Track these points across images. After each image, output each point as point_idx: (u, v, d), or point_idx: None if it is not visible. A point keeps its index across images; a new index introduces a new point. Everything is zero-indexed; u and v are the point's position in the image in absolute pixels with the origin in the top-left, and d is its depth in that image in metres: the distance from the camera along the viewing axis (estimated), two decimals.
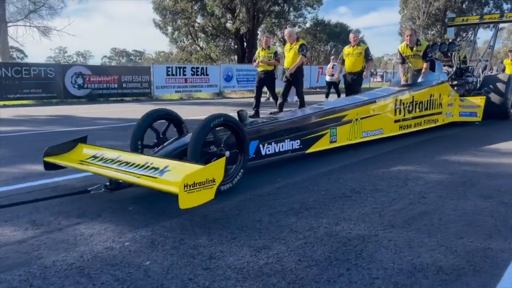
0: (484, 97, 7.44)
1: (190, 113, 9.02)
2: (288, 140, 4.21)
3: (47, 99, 14.38)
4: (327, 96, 14.82)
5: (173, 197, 2.48)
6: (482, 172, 4.03)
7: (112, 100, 15.50)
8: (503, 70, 14.15)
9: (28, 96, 13.96)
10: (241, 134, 3.45)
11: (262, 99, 10.14)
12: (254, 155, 3.84)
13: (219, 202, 3.06)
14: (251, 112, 8.93)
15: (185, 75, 18.18)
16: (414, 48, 7.09)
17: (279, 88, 9.03)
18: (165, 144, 3.61)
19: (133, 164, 2.96)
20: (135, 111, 11.39)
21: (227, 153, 3.22)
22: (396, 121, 5.85)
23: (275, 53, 8.89)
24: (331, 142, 4.76)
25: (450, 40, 9.71)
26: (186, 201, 2.43)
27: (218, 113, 3.34)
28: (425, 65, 7.00)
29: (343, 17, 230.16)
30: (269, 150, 4.02)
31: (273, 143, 4.05)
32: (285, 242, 2.37)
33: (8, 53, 23.35)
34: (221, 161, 2.70)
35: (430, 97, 6.60)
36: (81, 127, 7.67)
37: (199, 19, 25.06)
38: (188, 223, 2.67)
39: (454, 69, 8.35)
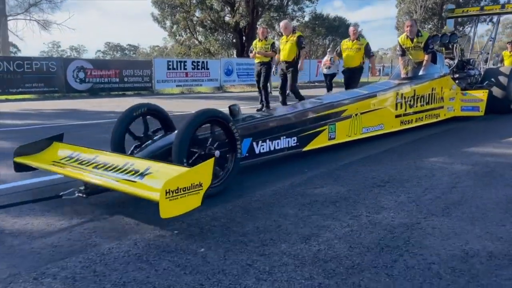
0: (487, 90, 7.16)
1: (192, 107, 9.00)
2: (284, 137, 3.95)
3: (49, 93, 14.30)
4: (328, 90, 14.80)
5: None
6: (505, 163, 4.09)
7: (113, 95, 15.44)
8: (501, 62, 14.03)
9: (30, 91, 13.87)
10: (232, 131, 3.16)
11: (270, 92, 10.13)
12: (247, 154, 3.57)
13: (255, 192, 3.11)
14: (258, 106, 9.05)
15: (185, 69, 18.13)
16: (415, 40, 6.79)
17: (276, 82, 9.01)
18: (148, 142, 3.28)
19: (111, 166, 2.69)
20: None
21: (217, 152, 2.97)
22: (397, 116, 5.63)
23: (272, 45, 8.75)
24: (330, 139, 4.49)
25: (451, 32, 9.29)
26: (168, 210, 2.17)
27: (206, 108, 3.10)
28: (426, 57, 6.74)
29: (337, 10, 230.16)
30: (263, 148, 3.76)
31: (267, 140, 3.79)
32: (331, 230, 2.41)
33: (8, 47, 23.15)
34: (209, 163, 2.38)
35: (432, 90, 6.37)
36: (90, 120, 7.66)
37: (198, 13, 24.97)
38: (230, 212, 2.70)
39: (455, 61, 8.12)
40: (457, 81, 7.39)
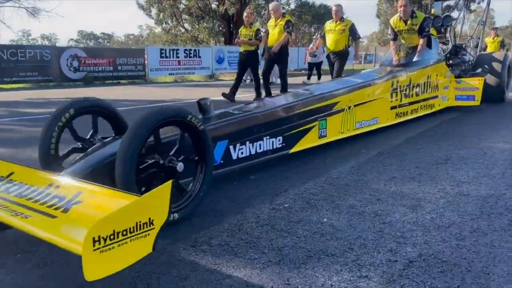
0: (483, 78, 6.65)
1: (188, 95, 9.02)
2: (268, 137, 3.31)
3: (44, 83, 14.00)
4: (308, 78, 14.84)
5: (298, 166, 2.64)
6: None
7: (108, 83, 15.26)
8: (484, 49, 13.36)
9: (25, 80, 13.55)
10: (200, 134, 2.38)
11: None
12: (221, 161, 2.91)
13: (336, 168, 3.27)
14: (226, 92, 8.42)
15: (178, 57, 18.00)
16: (409, 22, 6.08)
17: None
18: (88, 151, 2.44)
19: (27, 190, 1.92)
20: (146, 92, 11.36)
21: (180, 165, 2.21)
22: (392, 108, 5.10)
23: (257, 32, 8.17)
24: (320, 137, 3.89)
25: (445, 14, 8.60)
26: (97, 267, 1.37)
27: (165, 105, 2.38)
28: (421, 41, 6.07)
29: None
30: (242, 153, 3.10)
31: (247, 142, 3.14)
32: (430, 201, 2.59)
33: None
34: (165, 190, 1.58)
35: (427, 78, 5.86)
36: (128, 107, 7.60)
37: (185, 0, 24.71)
38: (323, 187, 2.86)
39: (449, 46, 7.58)
40: (450, 68, 6.88)
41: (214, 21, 25.42)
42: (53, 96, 10.18)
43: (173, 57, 17.77)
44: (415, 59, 6.07)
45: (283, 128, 3.47)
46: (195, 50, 19.12)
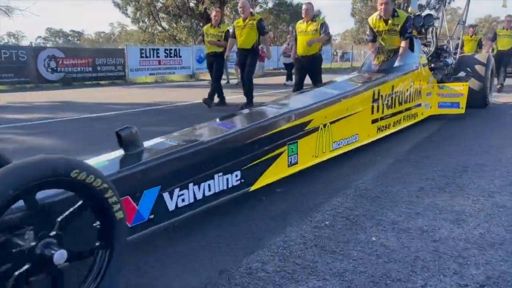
0: (467, 83, 6.12)
1: (173, 97, 8.86)
2: (220, 174, 2.53)
3: (20, 84, 13.47)
4: (288, 79, 14.53)
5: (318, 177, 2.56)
6: None
7: (88, 84, 14.83)
8: (461, 48, 13.25)
9: (0, 82, 13.02)
10: (98, 198, 1.51)
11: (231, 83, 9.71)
12: (151, 216, 2.11)
13: (355, 180, 3.21)
14: (216, 100, 7.90)
15: (158, 57, 17.70)
16: (390, 21, 5.43)
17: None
18: None
19: None
20: (129, 94, 11.08)
21: (58, 255, 1.37)
22: (373, 121, 4.42)
23: (227, 33, 7.59)
24: (290, 164, 3.14)
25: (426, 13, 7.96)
26: None
27: (33, 159, 1.35)
28: (403, 43, 5.45)
29: None
30: (183, 200, 2.29)
31: (190, 185, 2.33)
32: (470, 214, 2.55)
33: None
34: None
35: (411, 85, 5.23)
36: (100, 113, 7.36)
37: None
38: (356, 200, 2.80)
39: (432, 48, 7.10)
40: (433, 72, 6.25)
41: (193, 20, 25.11)
42: (34, 99, 9.80)
43: (153, 56, 17.48)
44: (396, 63, 5.41)
45: (241, 159, 2.68)
46: (175, 49, 18.85)
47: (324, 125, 3.52)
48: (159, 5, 24.63)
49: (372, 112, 4.36)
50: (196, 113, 7.24)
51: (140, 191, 2.04)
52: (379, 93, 4.45)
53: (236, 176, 2.65)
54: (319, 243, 2.18)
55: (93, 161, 2.07)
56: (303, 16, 6.49)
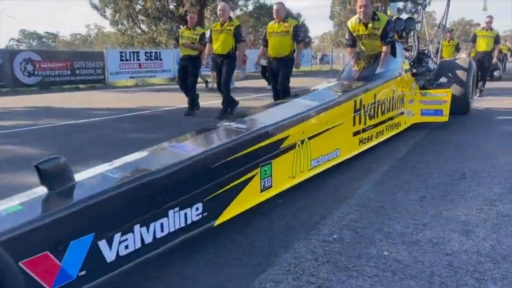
0: (450, 90, 5.87)
1: (155, 101, 8.71)
2: (176, 209, 2.07)
3: None
4: (269, 82, 14.31)
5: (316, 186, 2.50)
6: None
7: (67, 88, 14.48)
8: (440, 52, 12.73)
9: None
10: None
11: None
12: (81, 273, 1.66)
13: (355, 190, 3.16)
14: (193, 113, 7.47)
15: (139, 60, 17.46)
16: (370, 25, 5.09)
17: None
18: None
19: None
20: (110, 98, 10.81)
21: None
22: (355, 134, 4.07)
23: (202, 36, 7.29)
24: (264, 189, 2.73)
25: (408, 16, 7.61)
26: None
27: None
28: (384, 48, 5.13)
29: None
30: (127, 247, 1.84)
31: (136, 227, 1.88)
32: (476, 225, 2.53)
33: None
34: None
35: (393, 93, 4.91)
36: (81, 119, 7.15)
37: (141, 1, 23.92)
38: (360, 211, 2.74)
39: (414, 53, 6.75)
40: (415, 78, 5.95)
41: (173, 23, 24.82)
42: (12, 105, 9.47)
43: (133, 60, 17.24)
44: (378, 70, 5.03)
45: (203, 189, 2.22)
46: (156, 52, 18.62)
47: (302, 141, 3.15)
48: (138, 7, 24.25)
49: (354, 124, 4.03)
50: (180, 118, 7.12)
51: (65, 242, 1.60)
52: (361, 102, 4.12)
53: (197, 209, 2.19)
54: (331, 259, 2.11)
55: (3, 206, 1.66)
56: (274, 16, 6.25)
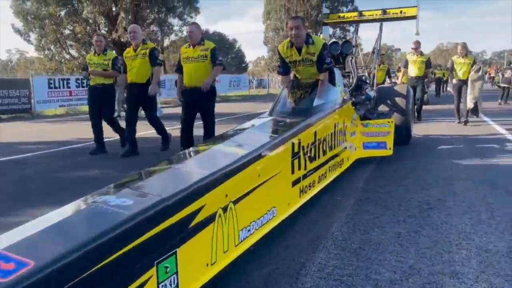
0: (393, 120, 5.40)
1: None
2: None
3: None
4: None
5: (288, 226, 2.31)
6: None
7: None
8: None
9: None
10: None
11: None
12: None
13: (328, 229, 2.98)
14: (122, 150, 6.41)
15: (69, 87, 16.51)
16: (304, 49, 4.47)
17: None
18: None
19: None
20: (39, 130, 9.94)
21: None
22: (294, 183, 3.23)
23: (115, 60, 6.34)
24: None
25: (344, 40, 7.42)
26: None
27: None
28: (322, 76, 4.54)
29: (217, 25, 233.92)
30: None
31: None
32: (462, 264, 2.43)
33: None
34: None
35: (334, 127, 4.25)
36: (8, 156, 6.40)
37: (70, 26, 22.86)
38: (340, 255, 2.54)
39: (354, 80, 6.37)
40: (354, 107, 5.39)
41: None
42: None
43: (63, 87, 16.29)
44: (317, 101, 4.33)
45: None
46: (87, 79, 17.69)
47: (225, 209, 2.22)
48: (66, 32, 23.14)
49: (293, 171, 3.20)
50: (118, 151, 6.48)
51: None
52: (299, 144, 3.32)
53: None
54: None
55: None
56: (188, 40, 5.42)
